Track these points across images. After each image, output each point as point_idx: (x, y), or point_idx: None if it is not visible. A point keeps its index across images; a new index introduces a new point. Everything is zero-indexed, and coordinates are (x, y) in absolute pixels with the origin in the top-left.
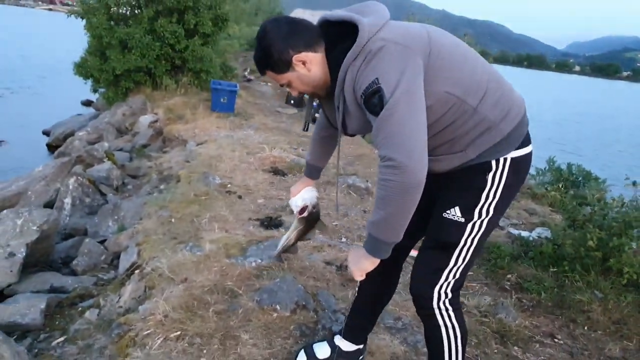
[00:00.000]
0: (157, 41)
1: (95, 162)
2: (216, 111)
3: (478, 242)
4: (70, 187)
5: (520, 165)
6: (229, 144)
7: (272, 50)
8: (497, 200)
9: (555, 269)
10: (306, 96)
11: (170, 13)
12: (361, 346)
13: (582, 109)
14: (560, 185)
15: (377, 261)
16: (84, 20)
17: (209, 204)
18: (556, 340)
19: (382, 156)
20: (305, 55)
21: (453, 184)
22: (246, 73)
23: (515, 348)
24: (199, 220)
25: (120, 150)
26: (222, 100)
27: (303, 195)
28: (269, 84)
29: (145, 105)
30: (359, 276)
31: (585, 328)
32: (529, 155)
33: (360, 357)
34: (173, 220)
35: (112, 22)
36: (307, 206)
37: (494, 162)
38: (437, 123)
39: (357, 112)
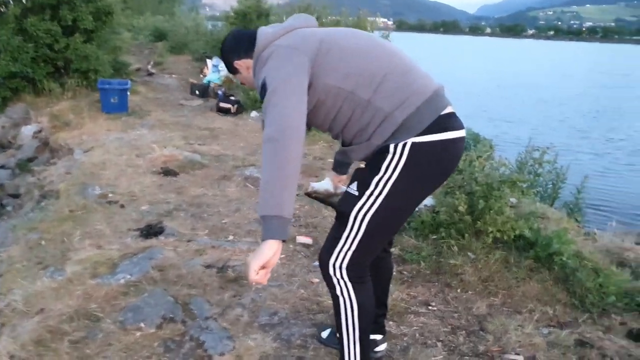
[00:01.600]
0: (29, 42)
1: None
2: (108, 112)
3: (371, 219)
4: None
5: (426, 151)
6: (117, 148)
7: (224, 58)
8: (394, 182)
9: (435, 237)
10: (212, 85)
11: (42, 9)
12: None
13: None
14: None
15: (274, 245)
16: None
17: (85, 218)
18: (430, 307)
19: (264, 135)
20: (243, 61)
21: (366, 167)
22: (149, 67)
23: (390, 323)
24: (70, 240)
25: (2, 167)
26: (112, 100)
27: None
28: (173, 76)
29: (28, 114)
30: (254, 273)
31: (459, 290)
32: (440, 142)
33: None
34: (43, 242)
35: None
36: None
37: (392, 146)
38: (339, 116)
39: None
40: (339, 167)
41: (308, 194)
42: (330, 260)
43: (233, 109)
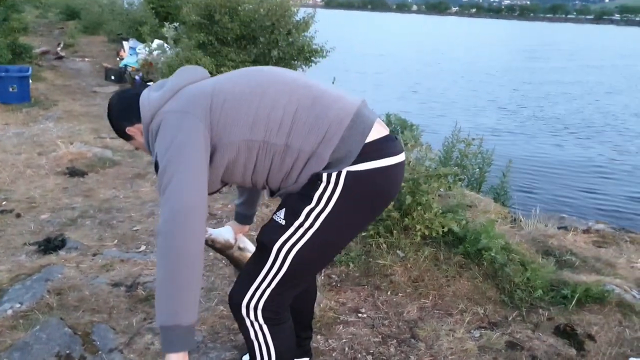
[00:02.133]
0: None
1: None
2: (5, 103)
3: (297, 254)
4: None
5: (364, 180)
6: (16, 145)
7: (114, 125)
8: (328, 213)
9: (363, 234)
10: (129, 69)
11: None
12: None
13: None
14: None
15: (179, 358)
16: None
17: None
18: (360, 315)
19: (156, 228)
20: (136, 127)
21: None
22: (59, 49)
23: (318, 337)
24: None
25: None
26: (10, 89)
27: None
28: (86, 59)
29: None
30: None
31: (389, 293)
32: (378, 170)
33: None
34: None
35: None
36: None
37: (325, 175)
38: (258, 169)
39: None
40: (243, 218)
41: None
42: (243, 300)
43: None
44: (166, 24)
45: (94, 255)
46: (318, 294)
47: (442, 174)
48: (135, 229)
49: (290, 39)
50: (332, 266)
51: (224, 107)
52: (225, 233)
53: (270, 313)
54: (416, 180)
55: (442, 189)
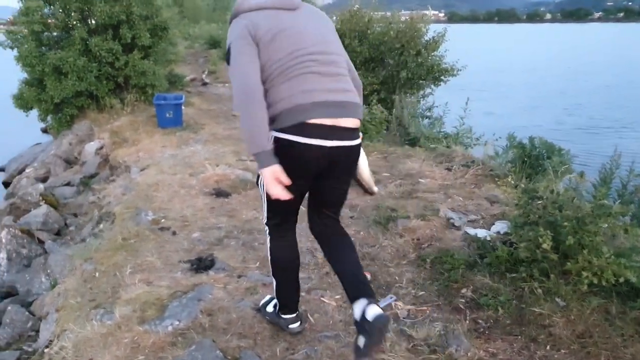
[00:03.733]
0: (93, 62)
1: (32, 206)
2: (163, 127)
3: (264, 187)
4: (3, 240)
5: (280, 145)
6: (172, 166)
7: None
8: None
9: (513, 275)
10: None
11: (105, 30)
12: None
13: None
14: (522, 164)
15: (268, 171)
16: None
17: (137, 247)
18: None
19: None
20: None
21: None
22: (203, 76)
23: None
24: (121, 273)
25: (67, 184)
26: (167, 115)
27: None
28: (226, 84)
29: (92, 131)
30: (275, 191)
31: (548, 347)
32: (291, 142)
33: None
34: (97, 274)
35: (43, 48)
36: None
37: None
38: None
39: None
40: None
41: None
42: (262, 217)
43: None
44: None
45: (239, 277)
46: (465, 341)
47: (613, 213)
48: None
49: (420, 60)
50: (478, 309)
51: (263, 37)
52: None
53: (272, 229)
54: (580, 219)
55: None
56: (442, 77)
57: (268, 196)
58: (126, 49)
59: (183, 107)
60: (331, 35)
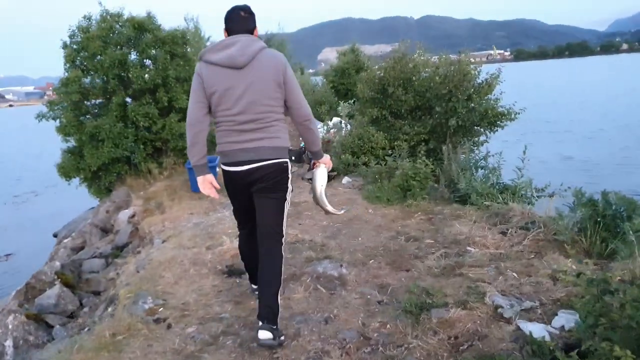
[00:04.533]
0: (130, 127)
1: (47, 286)
2: (196, 192)
3: (230, 199)
4: (10, 326)
5: (224, 173)
6: (192, 237)
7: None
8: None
9: None
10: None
11: (142, 94)
12: None
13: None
14: (594, 226)
15: (202, 177)
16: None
17: (123, 347)
18: None
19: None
20: None
21: None
22: None
23: None
24: None
25: (97, 256)
26: None
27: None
28: None
29: (129, 197)
30: (205, 189)
31: None
32: (226, 171)
33: None
34: None
35: (82, 117)
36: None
37: None
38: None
39: None
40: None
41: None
42: None
43: None
44: (340, 102)
45: None
46: None
47: None
48: (275, 355)
49: (471, 105)
50: None
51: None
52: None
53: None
54: None
55: None
56: (499, 122)
57: (230, 199)
58: (164, 112)
59: (217, 170)
60: (262, 93)
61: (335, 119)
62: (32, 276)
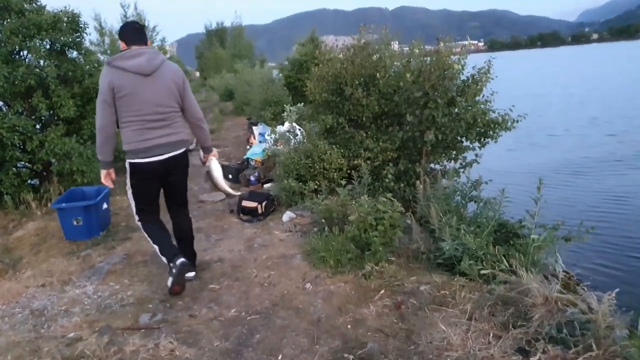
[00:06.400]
0: None
1: None
2: (71, 240)
3: (133, 192)
4: None
5: (134, 167)
6: (23, 333)
7: None
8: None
9: None
10: (252, 162)
11: (12, 99)
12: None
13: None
14: None
15: (105, 171)
16: None
17: None
18: None
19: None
20: None
21: None
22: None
23: None
24: None
25: None
26: (74, 222)
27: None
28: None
29: None
30: (107, 181)
31: None
32: (139, 164)
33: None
34: None
35: None
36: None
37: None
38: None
39: None
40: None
41: None
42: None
43: (260, 208)
44: (286, 106)
45: None
46: None
47: None
48: None
49: (454, 111)
50: None
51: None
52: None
53: (138, 217)
54: None
55: None
56: (491, 133)
57: (133, 195)
58: (45, 123)
59: (105, 206)
60: (166, 96)
61: (285, 126)
62: None
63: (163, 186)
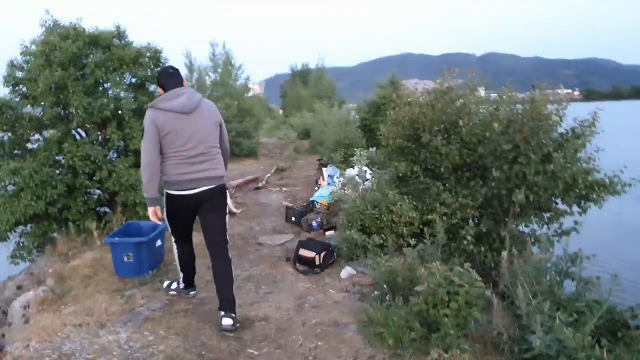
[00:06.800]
0: (66, 173)
1: None
2: (121, 276)
3: (168, 219)
4: None
5: (171, 197)
6: None
7: None
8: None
9: None
10: (317, 205)
11: (90, 128)
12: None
13: None
14: None
15: (152, 209)
16: None
17: None
18: None
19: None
20: None
21: None
22: (267, 176)
23: None
24: None
25: None
26: (125, 258)
27: None
28: (284, 189)
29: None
30: (154, 218)
31: None
32: (175, 195)
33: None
34: None
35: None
36: None
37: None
38: None
39: None
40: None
41: None
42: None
43: (318, 259)
44: (356, 150)
45: None
46: None
47: None
48: None
49: (550, 168)
50: None
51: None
52: None
53: (174, 237)
54: None
55: None
56: (594, 196)
57: (169, 221)
58: (118, 154)
59: (159, 243)
60: (207, 132)
61: (355, 170)
62: None
63: (200, 222)
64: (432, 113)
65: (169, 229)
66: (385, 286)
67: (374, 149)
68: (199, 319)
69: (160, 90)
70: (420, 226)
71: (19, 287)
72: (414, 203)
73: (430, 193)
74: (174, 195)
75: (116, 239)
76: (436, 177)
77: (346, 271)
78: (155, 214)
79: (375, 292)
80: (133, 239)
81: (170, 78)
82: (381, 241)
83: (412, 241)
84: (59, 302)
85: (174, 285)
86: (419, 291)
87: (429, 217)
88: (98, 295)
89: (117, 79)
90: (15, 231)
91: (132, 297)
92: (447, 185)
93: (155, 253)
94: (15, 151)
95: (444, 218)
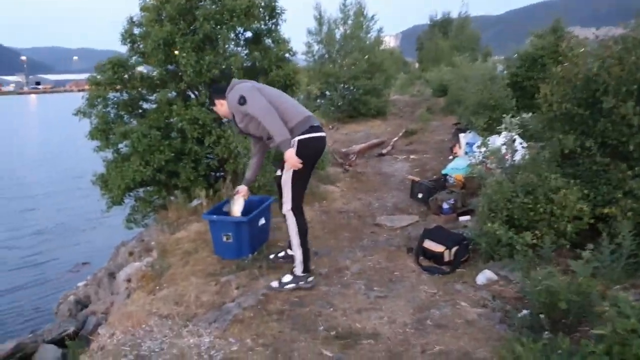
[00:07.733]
0: (174, 137)
1: None
2: (220, 257)
3: (293, 179)
4: None
5: (306, 143)
6: None
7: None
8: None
9: None
10: (451, 180)
11: (199, 89)
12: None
13: None
14: None
15: (291, 150)
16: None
17: None
18: None
19: (259, 112)
20: (218, 101)
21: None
22: (394, 139)
23: None
24: None
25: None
26: (224, 238)
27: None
28: (412, 156)
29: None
30: (297, 163)
31: None
32: (313, 138)
33: None
34: None
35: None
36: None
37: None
38: (262, 126)
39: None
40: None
41: None
42: (284, 207)
43: (448, 254)
44: (505, 116)
45: None
46: None
47: None
48: None
49: None
50: None
51: (263, 92)
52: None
53: (295, 208)
54: None
55: None
56: None
57: (293, 184)
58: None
59: (263, 221)
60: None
61: (501, 138)
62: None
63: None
64: (620, 70)
65: (292, 198)
66: (541, 314)
67: (528, 114)
68: (294, 326)
69: (218, 103)
70: (592, 222)
71: (131, 254)
72: (584, 191)
73: (610, 178)
74: (314, 137)
75: (214, 216)
76: (620, 156)
77: (484, 275)
78: (295, 157)
79: (525, 312)
80: (232, 217)
81: (215, 93)
82: (534, 240)
83: (584, 246)
84: (157, 281)
85: (287, 278)
86: (598, 332)
87: (606, 210)
88: (193, 279)
89: (228, 32)
90: (130, 195)
91: (226, 285)
92: (636, 169)
93: (258, 234)
94: (132, 112)
95: (629, 214)
